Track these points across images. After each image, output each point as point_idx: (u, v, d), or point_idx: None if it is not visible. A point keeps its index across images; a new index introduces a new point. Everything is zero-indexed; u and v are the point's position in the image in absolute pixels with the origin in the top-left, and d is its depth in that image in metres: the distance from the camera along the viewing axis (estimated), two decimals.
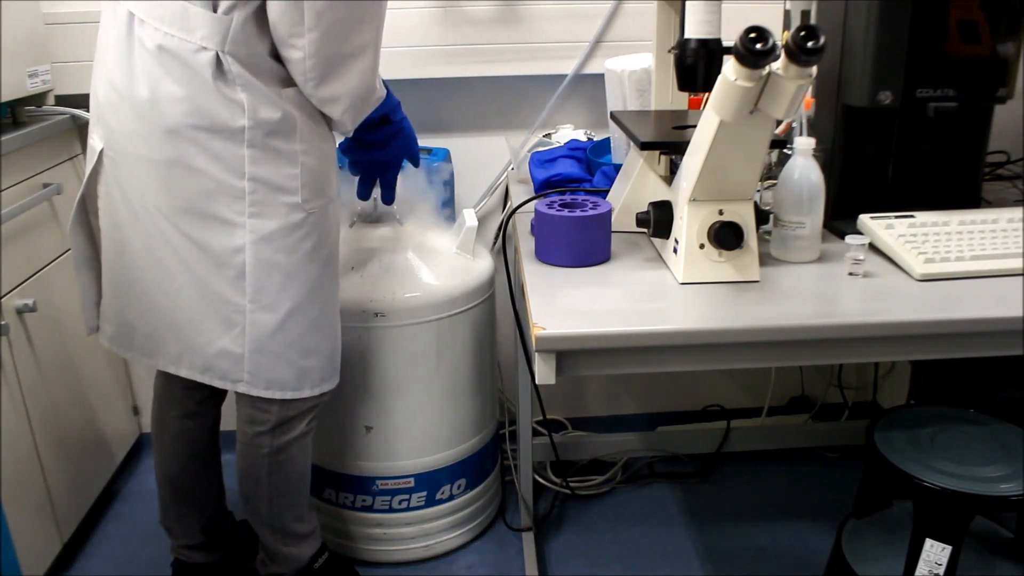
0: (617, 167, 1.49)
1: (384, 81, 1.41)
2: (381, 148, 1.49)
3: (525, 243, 1.37)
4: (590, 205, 1.30)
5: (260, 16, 1.22)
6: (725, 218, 1.18)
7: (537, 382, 1.09)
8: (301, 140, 1.30)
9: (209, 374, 1.38)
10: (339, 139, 1.50)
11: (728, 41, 1.08)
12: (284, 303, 1.33)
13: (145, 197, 1.30)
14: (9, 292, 1.58)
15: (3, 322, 1.53)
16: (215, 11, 1.20)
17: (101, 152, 1.35)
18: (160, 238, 1.31)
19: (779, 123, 1.26)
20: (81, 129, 1.83)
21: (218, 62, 1.21)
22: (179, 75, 1.22)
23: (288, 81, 1.27)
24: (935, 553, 1.24)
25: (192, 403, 1.57)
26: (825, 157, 1.38)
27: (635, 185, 1.38)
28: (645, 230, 1.27)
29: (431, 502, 1.79)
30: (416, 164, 1.64)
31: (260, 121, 1.24)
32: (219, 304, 1.32)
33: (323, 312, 1.40)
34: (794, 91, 1.02)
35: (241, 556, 1.70)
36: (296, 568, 1.56)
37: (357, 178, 1.60)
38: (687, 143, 1.20)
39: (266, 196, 1.28)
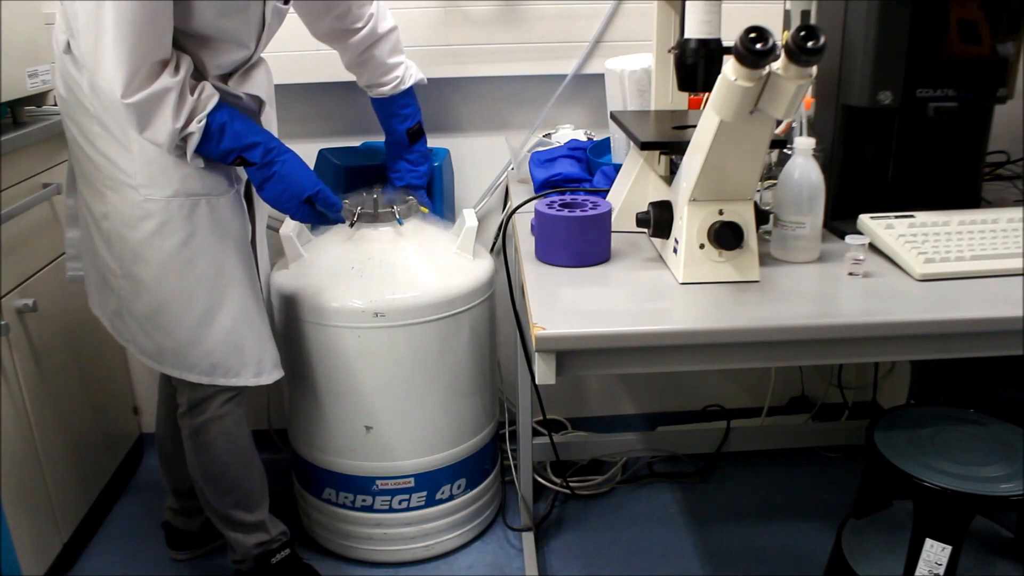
0: (617, 167, 1.49)
1: (245, 121, 1.37)
2: (261, 192, 1.44)
3: (525, 243, 1.37)
4: (590, 205, 1.30)
5: None
6: (725, 218, 1.18)
7: (537, 382, 1.09)
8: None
9: (115, 331, 1.53)
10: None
11: (728, 41, 1.08)
12: (134, 275, 1.44)
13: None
14: (9, 292, 1.58)
15: (3, 322, 1.53)
16: None
17: None
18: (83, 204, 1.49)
19: (779, 123, 1.26)
20: None
21: (68, 44, 1.36)
22: (56, 57, 1.40)
23: None
24: (935, 553, 1.24)
25: None
26: (825, 157, 1.38)
27: (635, 185, 1.38)
28: (645, 230, 1.27)
29: (431, 502, 1.78)
30: (332, 213, 1.50)
31: (98, 99, 1.36)
32: (100, 264, 1.47)
33: (173, 300, 1.44)
34: (794, 91, 1.03)
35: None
36: (251, 557, 1.63)
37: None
38: (687, 143, 1.20)
39: (112, 172, 1.40)
